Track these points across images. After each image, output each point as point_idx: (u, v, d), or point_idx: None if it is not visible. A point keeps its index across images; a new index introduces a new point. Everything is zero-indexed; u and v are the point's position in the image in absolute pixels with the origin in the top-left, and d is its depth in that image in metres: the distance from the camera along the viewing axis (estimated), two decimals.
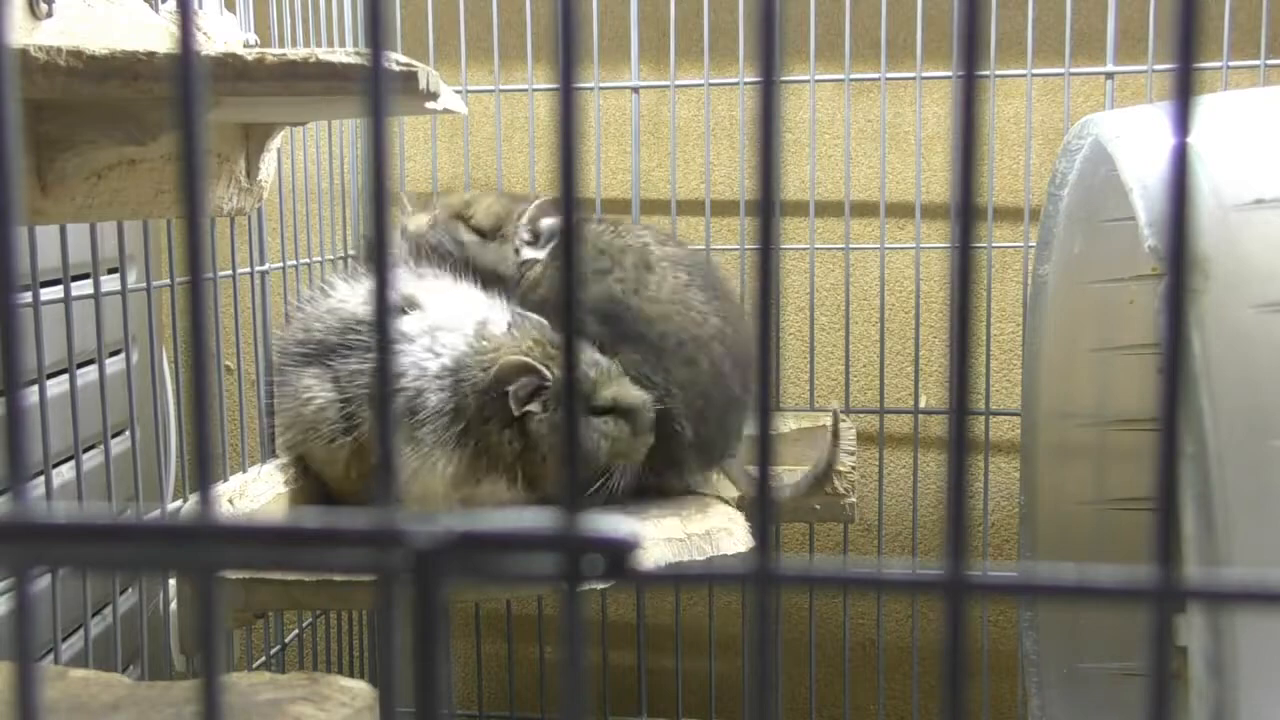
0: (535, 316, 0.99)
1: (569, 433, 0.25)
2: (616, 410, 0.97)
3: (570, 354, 0.26)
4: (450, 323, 0.95)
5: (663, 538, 0.94)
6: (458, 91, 1.05)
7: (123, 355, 1.05)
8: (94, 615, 0.99)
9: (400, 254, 1.05)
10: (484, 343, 0.94)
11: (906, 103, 1.36)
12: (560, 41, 0.24)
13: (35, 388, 0.85)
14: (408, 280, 0.98)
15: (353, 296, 1.00)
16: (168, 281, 1.02)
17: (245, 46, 0.91)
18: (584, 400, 0.94)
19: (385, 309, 0.25)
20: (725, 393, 1.02)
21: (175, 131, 0.25)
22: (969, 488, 0.25)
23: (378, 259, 0.25)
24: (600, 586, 0.25)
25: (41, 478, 0.93)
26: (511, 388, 0.92)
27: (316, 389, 0.94)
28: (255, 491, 1.02)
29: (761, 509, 0.25)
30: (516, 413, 0.92)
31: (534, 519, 0.24)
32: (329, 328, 0.96)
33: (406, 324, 0.94)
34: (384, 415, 0.25)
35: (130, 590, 1.11)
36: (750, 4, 1.31)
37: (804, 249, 1.37)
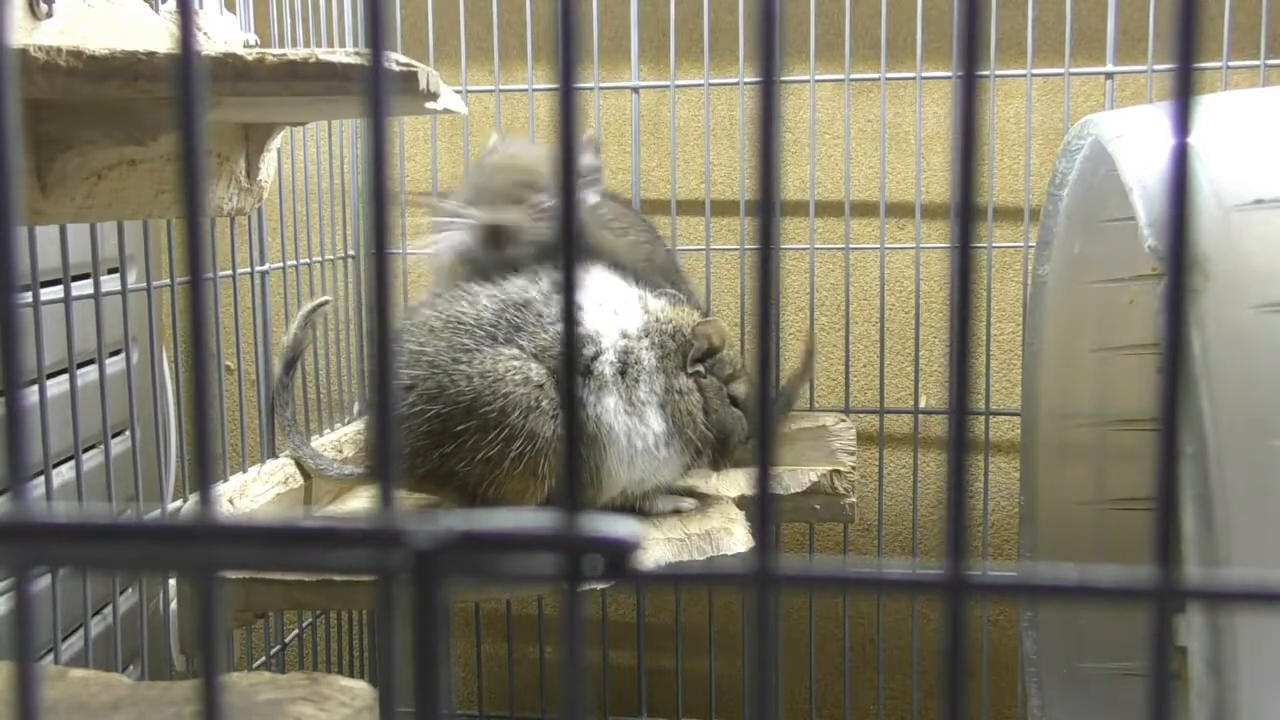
0: (671, 291, 1.08)
1: (569, 434, 0.25)
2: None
3: (569, 354, 0.26)
4: (610, 294, 1.01)
5: (663, 538, 0.95)
6: (458, 91, 1.05)
7: (123, 355, 1.05)
8: (94, 615, 0.99)
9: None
10: (650, 311, 1.02)
11: (906, 103, 1.36)
12: (560, 41, 0.24)
13: (35, 388, 0.85)
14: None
15: (507, 284, 1.03)
16: (168, 281, 1.02)
17: (245, 46, 0.91)
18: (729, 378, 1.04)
19: (386, 307, 0.25)
20: None
21: (175, 131, 0.25)
22: (969, 488, 0.25)
23: (377, 259, 0.25)
24: (600, 586, 0.25)
25: (41, 478, 0.93)
26: (692, 351, 1.01)
27: (522, 365, 0.95)
28: (255, 491, 1.02)
29: (761, 509, 0.25)
30: (690, 370, 1.01)
31: (534, 519, 0.24)
32: (498, 311, 0.99)
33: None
34: (383, 412, 0.25)
35: (130, 590, 1.11)
36: (750, 4, 1.31)
37: (804, 249, 1.37)
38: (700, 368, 1.02)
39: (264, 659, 1.25)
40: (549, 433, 0.94)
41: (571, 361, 0.26)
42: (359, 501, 1.14)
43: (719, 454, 1.04)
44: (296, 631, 1.32)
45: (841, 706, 1.44)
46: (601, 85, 1.37)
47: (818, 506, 1.19)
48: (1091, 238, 1.06)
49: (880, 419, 1.35)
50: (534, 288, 1.00)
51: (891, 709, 1.46)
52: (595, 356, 0.97)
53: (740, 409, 1.04)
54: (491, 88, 1.37)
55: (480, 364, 0.96)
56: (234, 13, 1.03)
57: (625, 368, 0.97)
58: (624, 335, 0.98)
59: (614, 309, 1.00)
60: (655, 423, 0.98)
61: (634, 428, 0.97)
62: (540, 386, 0.94)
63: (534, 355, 0.96)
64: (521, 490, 0.95)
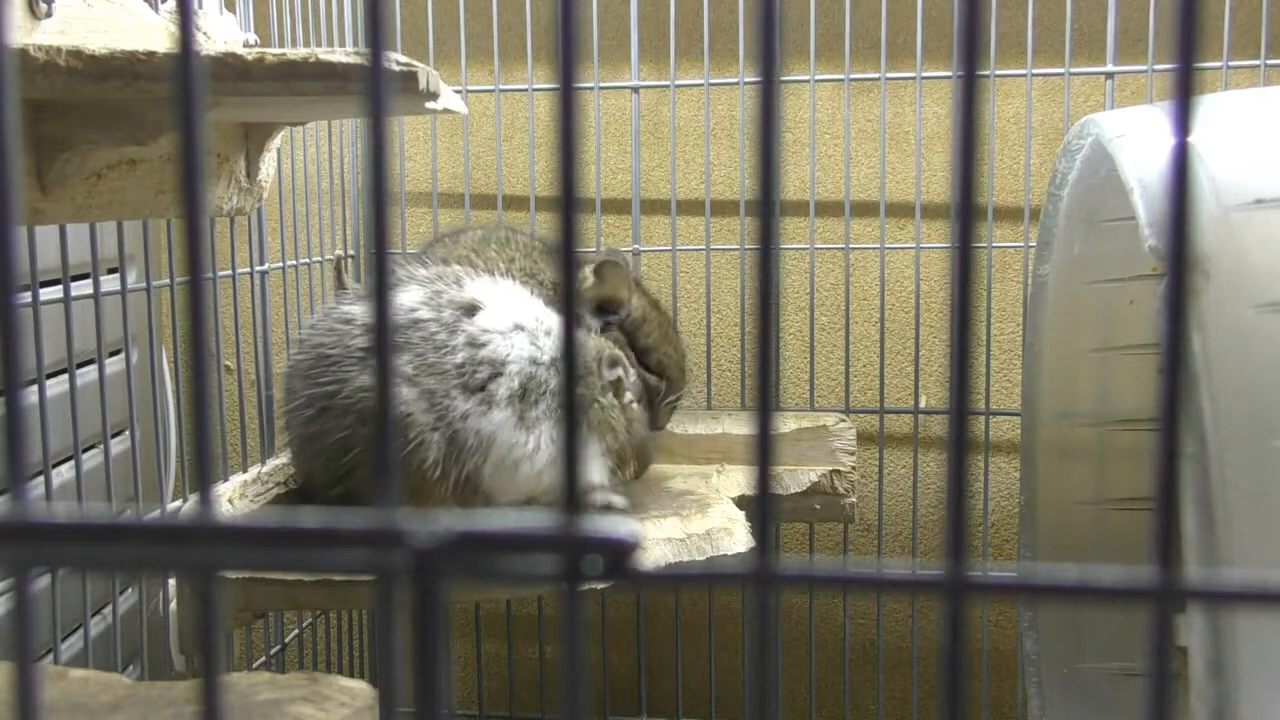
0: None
1: (569, 435, 0.25)
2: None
3: (569, 359, 0.26)
4: (533, 322, 1.01)
5: (663, 538, 0.95)
6: (458, 91, 1.05)
7: (122, 355, 1.05)
8: (94, 615, 0.99)
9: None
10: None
11: (906, 103, 1.36)
12: (560, 41, 0.24)
13: (35, 388, 0.85)
14: (462, 283, 1.02)
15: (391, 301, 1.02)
16: (168, 281, 1.02)
17: (245, 46, 0.91)
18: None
19: (385, 309, 0.25)
20: None
21: (175, 131, 0.25)
22: (969, 488, 0.25)
23: (378, 260, 0.25)
24: (600, 586, 0.25)
25: (41, 478, 0.93)
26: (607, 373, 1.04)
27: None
28: (255, 491, 1.02)
29: (761, 509, 0.25)
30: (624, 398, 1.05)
31: (534, 519, 0.24)
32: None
33: (486, 320, 0.99)
34: (384, 415, 0.25)
35: (130, 590, 1.11)
36: (750, 4, 1.31)
37: (804, 249, 1.37)
38: (630, 392, 1.06)
39: (264, 659, 1.25)
40: (425, 461, 0.93)
41: (571, 363, 0.26)
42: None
43: (639, 468, 1.09)
44: (296, 631, 1.32)
45: (841, 706, 1.44)
46: (601, 85, 1.37)
47: (818, 506, 1.19)
48: (1091, 238, 1.06)
49: (880, 419, 1.35)
50: (425, 308, 0.99)
51: (891, 709, 1.46)
52: (492, 377, 0.97)
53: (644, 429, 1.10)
54: (491, 88, 1.37)
55: (349, 396, 0.96)
56: (234, 13, 1.03)
57: (526, 393, 0.97)
58: (534, 363, 0.98)
59: (531, 337, 0.99)
60: (548, 430, 0.98)
61: (518, 439, 0.97)
62: (407, 415, 0.93)
63: (409, 379, 0.94)
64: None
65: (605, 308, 1.13)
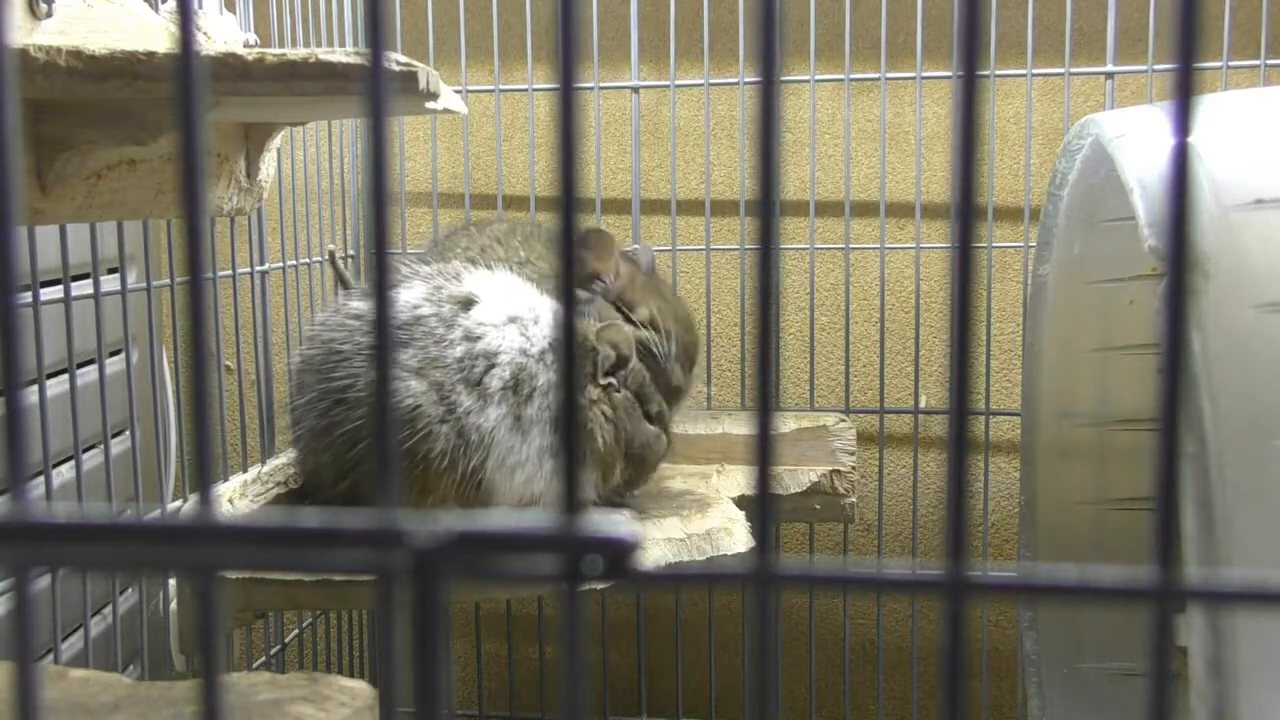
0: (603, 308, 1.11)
1: (567, 431, 0.25)
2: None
3: (568, 356, 0.26)
4: (526, 312, 0.99)
5: (663, 538, 0.95)
6: (458, 91, 1.05)
7: (123, 355, 1.05)
8: (94, 615, 0.99)
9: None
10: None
11: (906, 103, 1.36)
12: (560, 41, 0.24)
13: (35, 388, 0.85)
14: (461, 278, 1.01)
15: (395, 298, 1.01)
16: (168, 281, 1.02)
17: (245, 46, 0.91)
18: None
19: (385, 309, 0.25)
20: None
21: (175, 131, 0.25)
22: (969, 488, 0.25)
23: (378, 259, 0.25)
24: (600, 586, 0.25)
25: (41, 478, 0.93)
26: (600, 356, 1.01)
27: (401, 387, 0.93)
28: (255, 491, 1.02)
29: (761, 509, 0.25)
30: (601, 382, 1.00)
31: (534, 519, 0.24)
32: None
33: (482, 313, 0.97)
34: (384, 416, 0.25)
35: (130, 590, 1.11)
36: (750, 4, 1.31)
37: (804, 249, 1.37)
38: (613, 380, 1.01)
39: (264, 659, 1.25)
40: (433, 451, 0.93)
41: (571, 360, 0.26)
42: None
43: (635, 471, 1.04)
44: (296, 631, 1.32)
45: (841, 706, 1.44)
46: (601, 85, 1.37)
47: (818, 506, 1.19)
48: (1091, 238, 1.06)
49: (880, 419, 1.35)
50: (427, 304, 0.98)
51: (891, 709, 1.46)
52: (488, 370, 0.96)
53: (658, 424, 1.05)
54: (491, 88, 1.37)
55: (362, 390, 0.95)
56: (234, 13, 1.03)
57: (518, 384, 0.96)
58: (524, 354, 0.97)
59: (522, 327, 0.98)
60: (540, 438, 0.96)
61: (514, 443, 0.96)
62: (416, 407, 0.93)
63: (416, 371, 0.94)
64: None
65: (592, 277, 1.12)
